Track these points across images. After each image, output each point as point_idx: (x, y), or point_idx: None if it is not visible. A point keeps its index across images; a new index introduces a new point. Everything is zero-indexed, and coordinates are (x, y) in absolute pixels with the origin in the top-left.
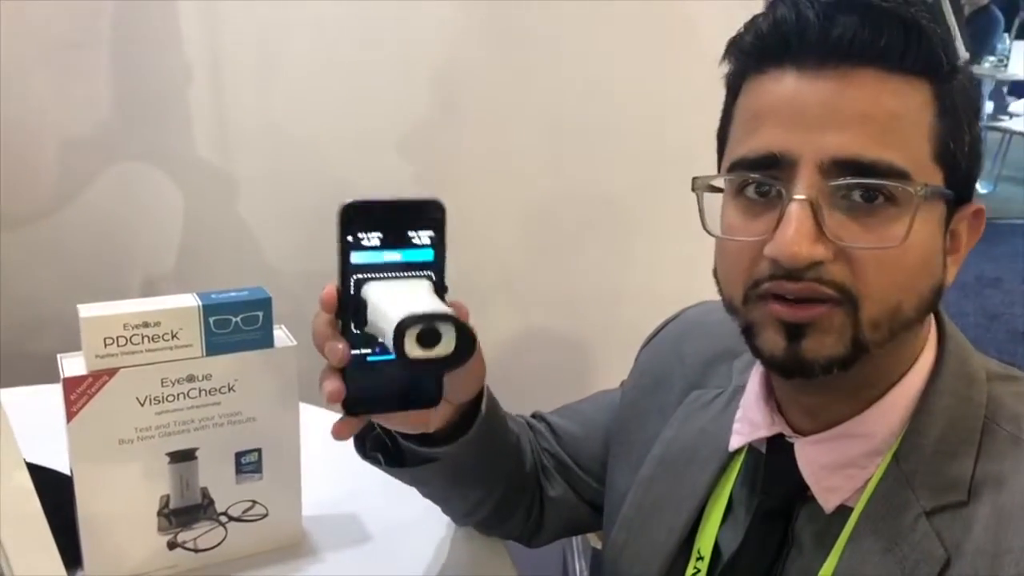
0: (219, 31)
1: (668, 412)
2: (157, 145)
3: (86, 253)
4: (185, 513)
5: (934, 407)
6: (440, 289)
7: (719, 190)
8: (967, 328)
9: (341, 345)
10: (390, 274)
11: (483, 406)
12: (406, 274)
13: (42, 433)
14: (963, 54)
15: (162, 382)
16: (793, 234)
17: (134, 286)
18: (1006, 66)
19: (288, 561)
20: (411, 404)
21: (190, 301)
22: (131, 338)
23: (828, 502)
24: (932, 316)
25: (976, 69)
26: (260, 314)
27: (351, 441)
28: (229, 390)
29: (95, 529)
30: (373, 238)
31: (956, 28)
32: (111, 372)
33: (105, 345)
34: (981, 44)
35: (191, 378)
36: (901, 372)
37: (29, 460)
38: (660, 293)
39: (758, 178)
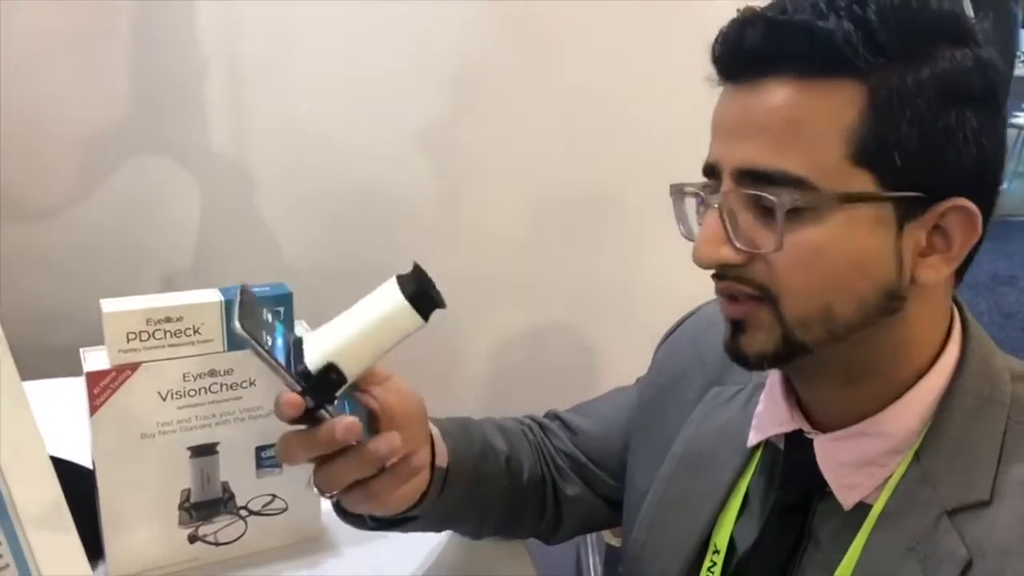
0: (237, 26)
1: (687, 409)
2: (175, 140)
3: (103, 248)
4: (206, 507)
5: (956, 406)
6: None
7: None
8: (982, 327)
9: (349, 420)
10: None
11: (446, 463)
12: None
13: (62, 426)
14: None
15: (184, 377)
16: (701, 238)
17: (151, 281)
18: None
19: (307, 555)
20: None
21: (213, 296)
22: (153, 333)
23: (847, 499)
24: (955, 312)
25: None
26: (281, 309)
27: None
28: (250, 385)
29: (117, 522)
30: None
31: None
32: (133, 366)
33: (128, 340)
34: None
35: (213, 373)
36: (917, 369)
37: (51, 453)
38: (673, 290)
39: (694, 186)
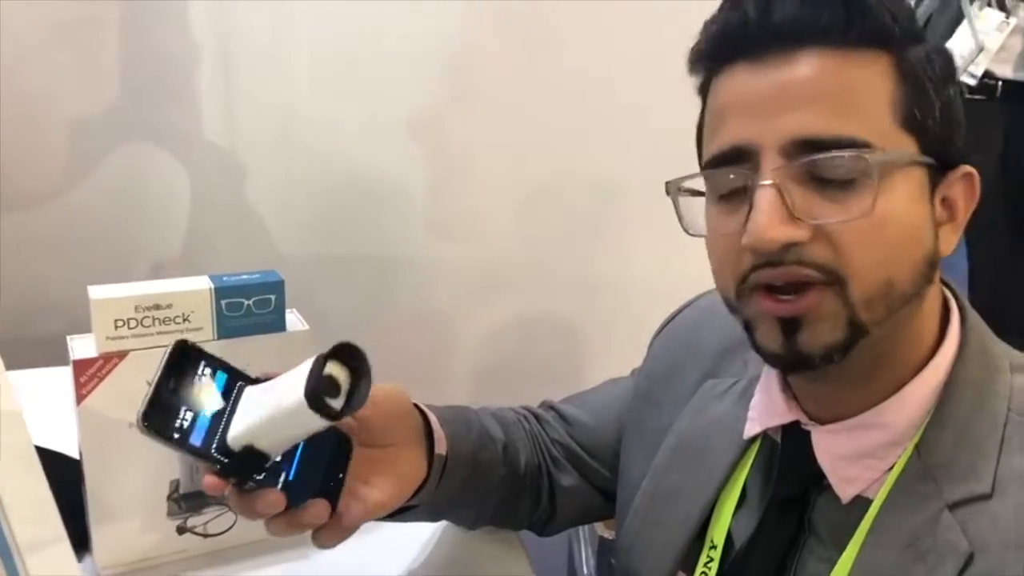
0: (229, 12)
1: (682, 401)
2: (166, 128)
3: (93, 235)
4: (195, 498)
5: (956, 398)
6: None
7: (702, 194)
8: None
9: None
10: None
11: (445, 450)
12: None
13: (50, 416)
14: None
15: None
16: (762, 219)
17: (141, 269)
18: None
19: (297, 547)
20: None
21: (202, 283)
22: (142, 320)
23: (846, 492)
24: (952, 302)
25: None
26: (273, 297)
27: None
28: None
29: (104, 514)
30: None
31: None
32: (121, 355)
33: (116, 327)
34: None
35: None
36: (918, 359)
37: (36, 443)
38: (667, 282)
39: (726, 171)
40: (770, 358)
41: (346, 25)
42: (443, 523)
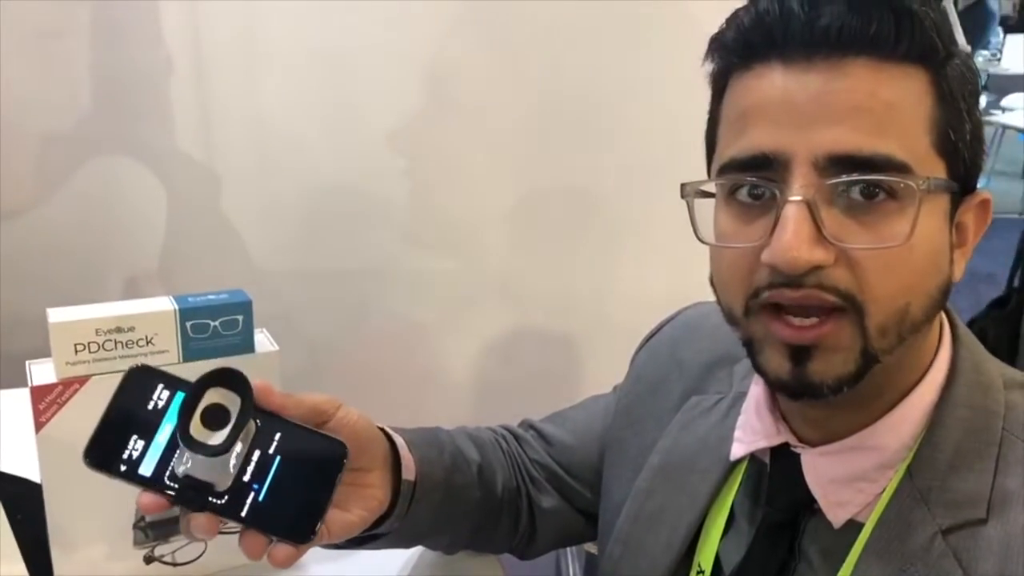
0: (202, 22)
1: (666, 419)
2: (138, 140)
3: (64, 252)
4: (162, 526)
5: (949, 419)
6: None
7: (711, 195)
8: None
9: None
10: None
11: (414, 475)
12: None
13: (12, 440)
14: (963, 44)
15: None
16: (791, 238)
17: (115, 286)
18: (999, 60)
19: (270, 573)
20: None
21: (166, 305)
22: (103, 344)
23: (837, 517)
24: (944, 320)
25: None
26: (240, 318)
27: None
28: None
29: (67, 542)
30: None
31: (955, 16)
32: (82, 380)
33: (76, 352)
34: (975, 38)
35: None
36: (912, 380)
37: (8, 466)
38: (651, 294)
39: (751, 180)
40: (775, 383)
41: (323, 36)
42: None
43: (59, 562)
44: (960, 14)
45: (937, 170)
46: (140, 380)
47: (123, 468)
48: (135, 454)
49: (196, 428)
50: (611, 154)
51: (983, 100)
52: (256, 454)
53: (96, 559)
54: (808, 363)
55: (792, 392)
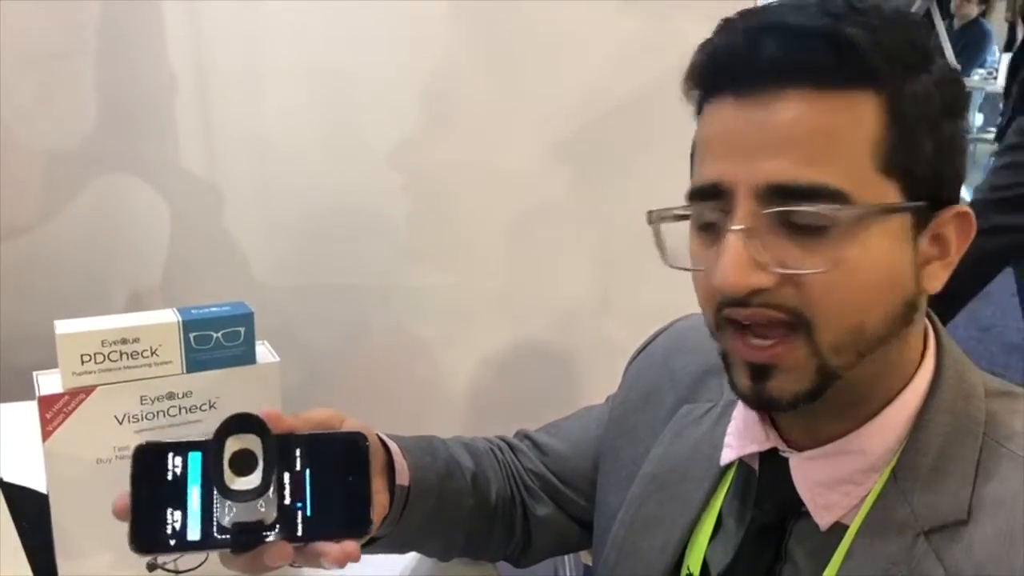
0: (205, 41)
1: (659, 428)
2: (142, 156)
3: (69, 266)
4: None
5: (932, 424)
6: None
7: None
8: (958, 341)
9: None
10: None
11: (407, 481)
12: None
13: (26, 451)
14: (950, 59)
15: (141, 400)
16: (728, 265)
17: (119, 300)
18: (995, 78)
19: None
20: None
21: (170, 317)
22: (109, 355)
23: (823, 519)
24: (930, 329)
25: (966, 81)
26: (242, 330)
27: None
28: (210, 407)
29: (72, 550)
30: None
31: (943, 32)
32: (88, 390)
33: (82, 362)
34: (972, 56)
35: (171, 395)
36: (896, 387)
37: (12, 478)
38: (648, 309)
39: (699, 210)
40: (740, 397)
41: (324, 56)
42: (418, 555)
43: (65, 568)
44: (956, 33)
45: (886, 192)
46: (149, 457)
47: (172, 543)
48: (177, 526)
49: (229, 479)
50: (609, 169)
51: (979, 118)
52: (287, 476)
53: (100, 566)
54: (767, 381)
55: (754, 406)
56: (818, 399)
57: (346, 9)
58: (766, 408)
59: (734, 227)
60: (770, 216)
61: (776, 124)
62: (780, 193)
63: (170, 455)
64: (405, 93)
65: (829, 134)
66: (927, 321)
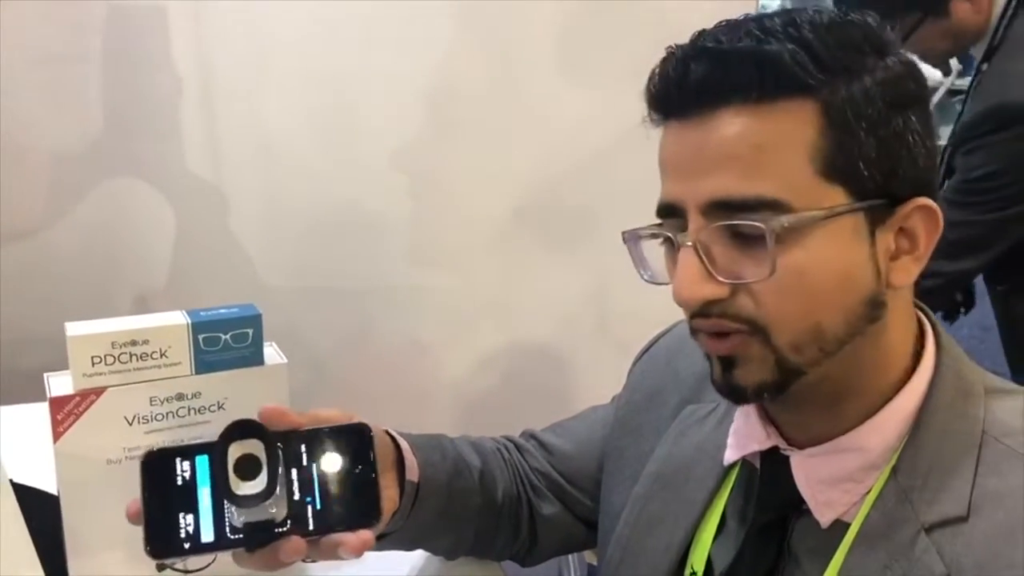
0: (211, 46)
1: (662, 428)
2: (146, 160)
3: (76, 270)
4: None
5: (932, 421)
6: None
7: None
8: (961, 340)
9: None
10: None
11: (417, 477)
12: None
13: (31, 452)
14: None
15: (151, 401)
16: (680, 279)
17: (125, 303)
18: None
19: None
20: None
21: (179, 319)
22: (119, 356)
23: (824, 516)
24: (928, 327)
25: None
26: (250, 331)
27: None
28: (219, 408)
29: (83, 550)
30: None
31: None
32: (98, 391)
33: (92, 364)
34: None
35: (180, 396)
36: (887, 383)
37: (17, 480)
38: (647, 311)
39: (656, 228)
40: (716, 388)
41: (327, 61)
42: (424, 554)
43: (75, 568)
44: None
45: (830, 196)
46: (157, 463)
47: (187, 546)
48: (190, 529)
49: (235, 484)
50: (612, 174)
51: None
52: (294, 472)
53: (110, 566)
54: (733, 370)
55: (725, 394)
56: (784, 391)
57: (349, 15)
58: (735, 398)
59: (684, 243)
60: (718, 229)
61: (713, 143)
62: (723, 207)
63: (177, 459)
64: (408, 98)
65: (763, 147)
66: (925, 319)
